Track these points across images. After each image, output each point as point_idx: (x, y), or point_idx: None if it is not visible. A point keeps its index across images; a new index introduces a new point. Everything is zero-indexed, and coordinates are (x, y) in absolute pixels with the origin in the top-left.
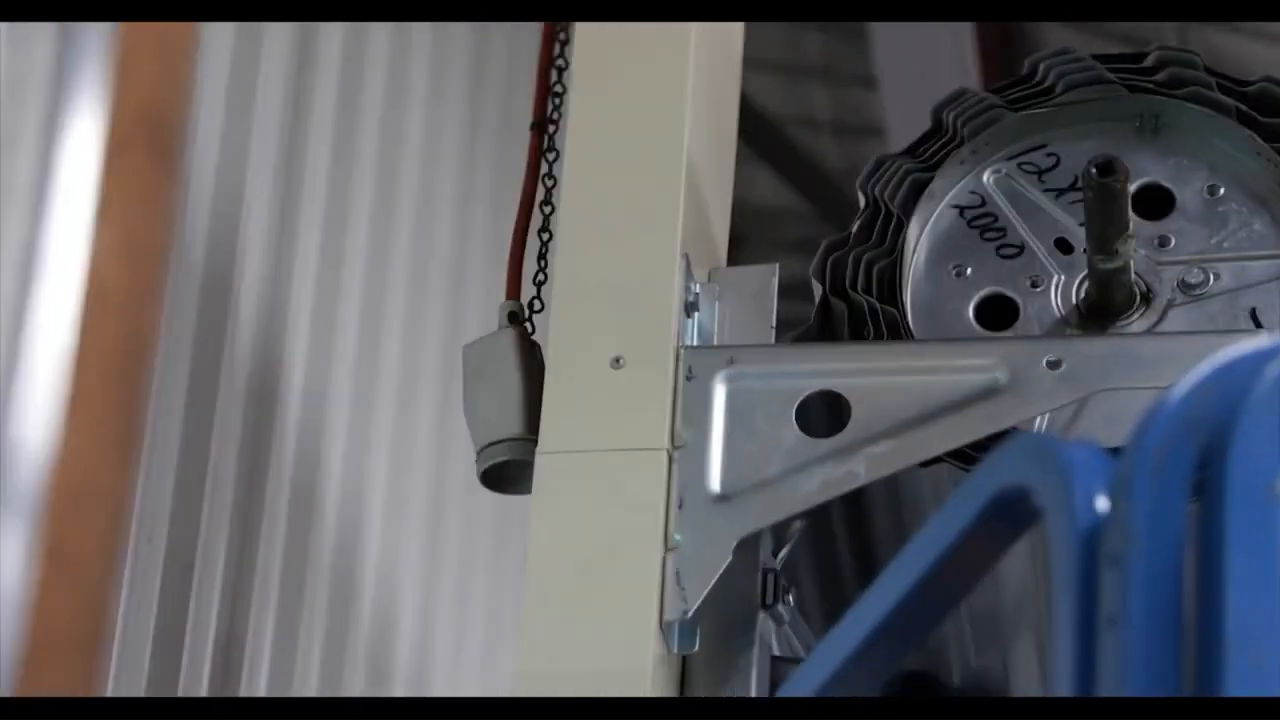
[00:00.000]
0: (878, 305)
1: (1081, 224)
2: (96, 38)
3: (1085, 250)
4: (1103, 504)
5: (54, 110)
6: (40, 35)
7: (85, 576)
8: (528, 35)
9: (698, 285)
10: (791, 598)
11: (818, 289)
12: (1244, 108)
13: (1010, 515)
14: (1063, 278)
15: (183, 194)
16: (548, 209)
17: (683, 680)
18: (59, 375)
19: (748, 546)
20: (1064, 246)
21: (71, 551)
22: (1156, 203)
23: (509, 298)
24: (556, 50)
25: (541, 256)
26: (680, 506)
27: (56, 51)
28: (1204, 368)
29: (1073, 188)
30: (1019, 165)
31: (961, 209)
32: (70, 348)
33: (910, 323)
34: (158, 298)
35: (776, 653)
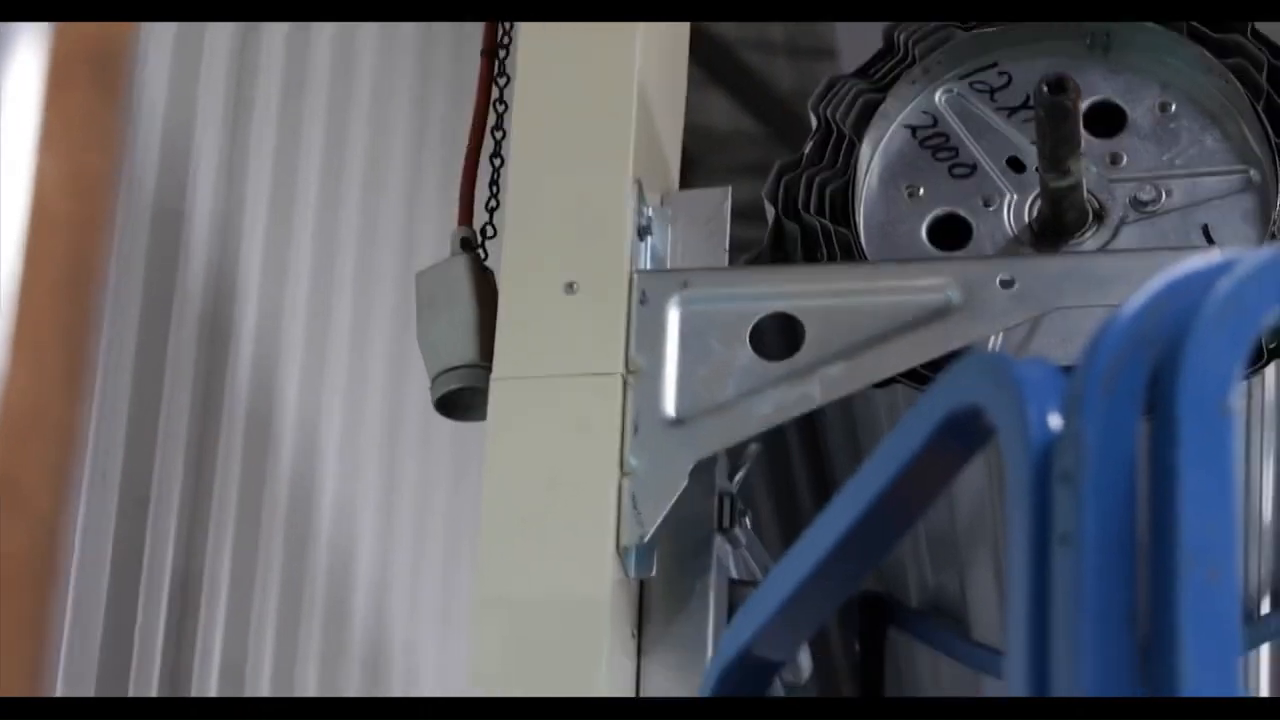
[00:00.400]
0: (831, 227)
1: (1033, 142)
2: None
3: (1037, 169)
4: (1055, 422)
5: None
6: None
7: (37, 510)
8: None
9: (650, 209)
10: (748, 520)
11: (770, 211)
12: (1195, 24)
13: (963, 434)
14: (1015, 197)
15: (131, 125)
16: (499, 135)
17: (640, 605)
18: (3, 305)
19: (703, 470)
20: (1016, 165)
21: (22, 484)
22: (1108, 120)
23: (461, 224)
24: None
25: (494, 183)
26: (635, 431)
27: None
28: (1155, 284)
29: (1024, 106)
30: (971, 84)
31: (914, 129)
32: (14, 276)
33: (863, 244)
34: (106, 227)
35: (734, 576)
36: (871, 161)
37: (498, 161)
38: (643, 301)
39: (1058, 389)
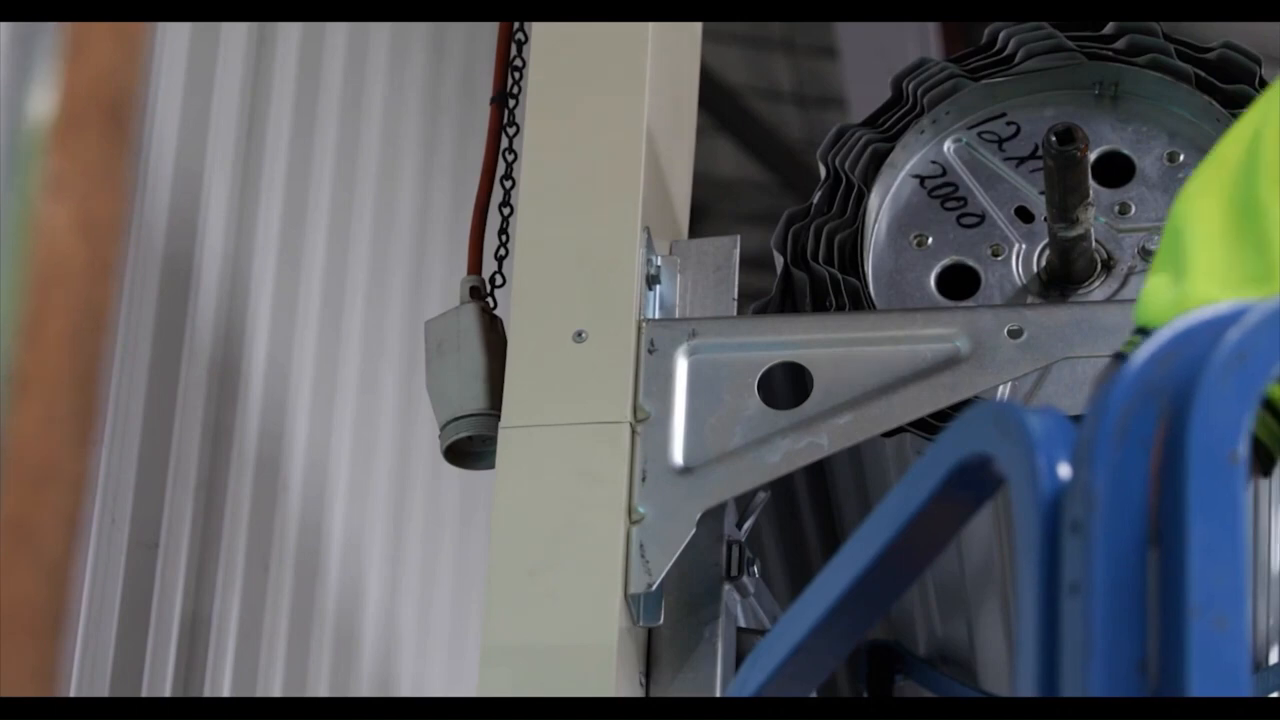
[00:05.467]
0: (839, 276)
1: (1042, 192)
2: None
3: (1046, 218)
4: (1065, 471)
5: (8, 84)
6: None
7: (47, 554)
8: None
9: (659, 258)
10: (756, 569)
11: (779, 260)
12: (1203, 74)
13: (973, 483)
14: (1024, 246)
15: (142, 170)
16: (509, 183)
17: (648, 653)
18: (14, 350)
19: (711, 518)
20: (1025, 215)
21: (33, 529)
22: (1116, 170)
23: (470, 272)
24: (516, 25)
25: (503, 231)
26: (644, 479)
27: (11, 24)
28: (1164, 333)
29: (1033, 156)
30: (979, 134)
31: (922, 179)
32: (25, 321)
33: (872, 293)
34: (116, 272)
35: (742, 624)
36: (880, 211)
37: (507, 210)
38: (651, 350)
39: (1067, 438)
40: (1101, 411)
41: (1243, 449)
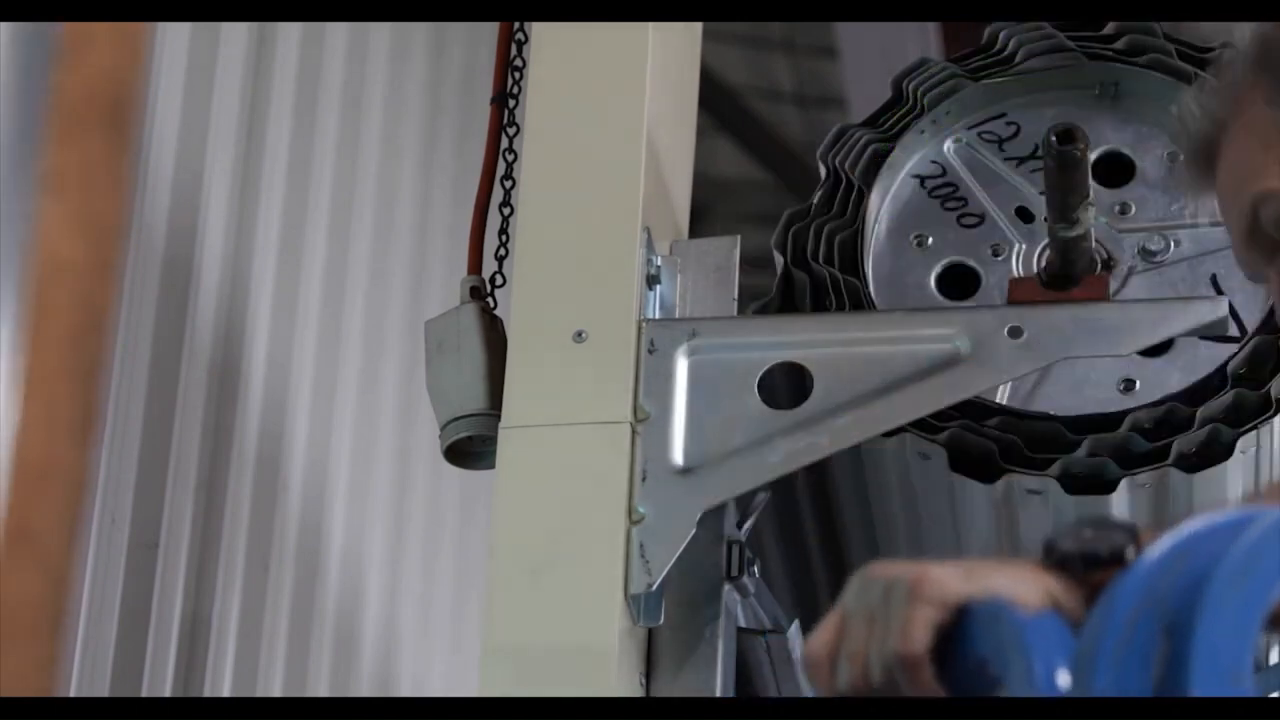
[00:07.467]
0: (839, 276)
1: (1042, 192)
2: None
3: (1046, 218)
4: (1064, 680)
5: (8, 84)
6: None
7: (47, 556)
8: None
9: (659, 258)
10: (756, 569)
11: (779, 260)
12: (1203, 74)
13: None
14: (1024, 246)
15: (142, 170)
16: (509, 183)
17: (648, 653)
18: (14, 351)
19: (712, 518)
20: (1025, 215)
21: (33, 530)
22: (1117, 170)
23: (470, 272)
24: (516, 25)
25: (503, 231)
26: (644, 480)
27: (11, 24)
28: (1169, 539)
29: (1033, 156)
30: (979, 134)
31: (922, 179)
32: (25, 323)
33: (872, 293)
34: (116, 273)
35: (742, 624)
36: (880, 211)
37: (507, 210)
38: (651, 350)
39: (1066, 644)
40: (1106, 620)
41: (1247, 666)
